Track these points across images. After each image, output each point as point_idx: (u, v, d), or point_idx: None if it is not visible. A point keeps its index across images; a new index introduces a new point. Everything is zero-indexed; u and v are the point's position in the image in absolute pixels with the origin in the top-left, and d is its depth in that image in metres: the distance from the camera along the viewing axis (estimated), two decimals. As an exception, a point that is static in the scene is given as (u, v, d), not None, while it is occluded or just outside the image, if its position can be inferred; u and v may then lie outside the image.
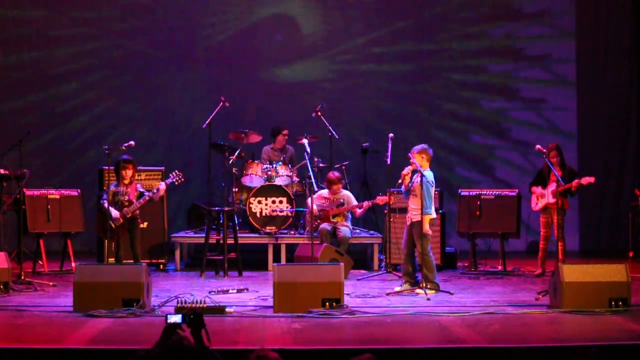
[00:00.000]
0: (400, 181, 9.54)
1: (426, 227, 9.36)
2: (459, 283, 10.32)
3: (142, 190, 10.53)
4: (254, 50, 14.12)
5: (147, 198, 10.39)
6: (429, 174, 9.45)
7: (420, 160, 9.48)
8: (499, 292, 9.60)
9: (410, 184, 9.50)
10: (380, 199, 11.20)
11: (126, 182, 10.42)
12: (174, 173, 10.60)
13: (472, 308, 8.49)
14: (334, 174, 11.51)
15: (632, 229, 12.24)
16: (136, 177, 10.77)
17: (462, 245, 12.41)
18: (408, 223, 9.57)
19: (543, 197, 10.79)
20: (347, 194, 11.62)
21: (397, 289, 9.53)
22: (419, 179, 9.37)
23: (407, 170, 9.48)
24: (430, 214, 9.40)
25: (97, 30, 13.97)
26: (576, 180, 10.55)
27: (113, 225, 10.25)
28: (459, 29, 14.22)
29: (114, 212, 10.25)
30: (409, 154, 9.53)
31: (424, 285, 9.30)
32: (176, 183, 10.60)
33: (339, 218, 11.43)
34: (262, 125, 12.80)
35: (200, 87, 14.06)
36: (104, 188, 10.83)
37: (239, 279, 10.71)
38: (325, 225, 11.28)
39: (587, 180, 10.52)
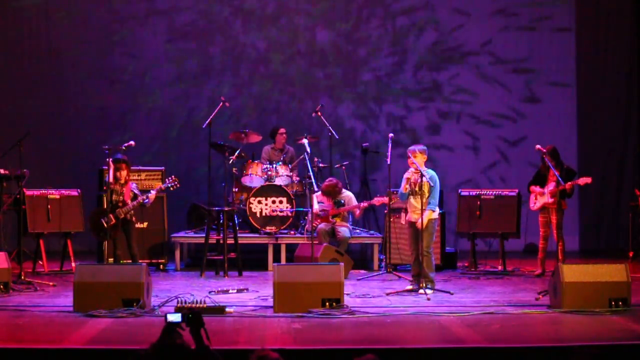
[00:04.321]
0: (406, 186, 9.43)
1: (425, 220, 9.31)
2: (459, 283, 10.32)
3: (136, 192, 10.51)
4: (253, 49, 14.13)
5: (138, 202, 10.37)
6: (433, 172, 9.52)
7: (422, 159, 9.47)
8: (499, 292, 9.60)
9: (413, 185, 9.46)
10: (377, 200, 11.19)
11: (122, 182, 10.40)
12: (170, 178, 10.61)
13: (472, 308, 8.49)
14: (332, 186, 11.37)
15: (632, 229, 12.24)
16: (131, 177, 10.72)
17: (462, 245, 12.40)
18: (418, 223, 9.42)
19: (541, 197, 10.79)
20: (348, 194, 11.60)
21: (410, 287, 9.48)
22: (425, 177, 9.37)
23: (411, 173, 9.45)
24: (435, 210, 9.42)
25: (97, 31, 13.97)
26: (570, 182, 10.50)
27: (105, 225, 10.23)
28: (460, 30, 14.24)
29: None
30: (409, 153, 9.49)
31: (424, 285, 9.30)
32: (172, 188, 10.62)
33: (338, 218, 11.43)
34: (262, 125, 12.81)
35: (200, 86, 14.05)
36: (104, 188, 10.82)
37: (239, 279, 10.71)
38: (323, 226, 11.27)
39: (583, 180, 10.51)
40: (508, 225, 11.37)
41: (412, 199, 9.46)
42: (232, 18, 14.12)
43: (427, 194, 9.34)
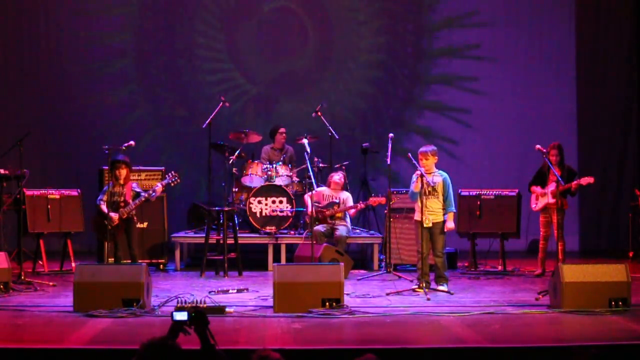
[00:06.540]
0: (418, 184, 9.38)
1: (452, 223, 9.60)
2: (459, 283, 10.31)
3: (138, 190, 10.47)
4: (252, 49, 14.13)
5: (143, 199, 10.35)
6: (446, 174, 9.59)
7: (433, 161, 9.50)
8: (499, 292, 9.60)
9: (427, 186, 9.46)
10: (373, 200, 11.16)
11: (121, 182, 10.38)
12: (170, 174, 10.58)
13: (472, 308, 8.49)
14: (340, 179, 11.49)
15: (632, 229, 12.25)
16: (131, 177, 10.69)
17: (462, 245, 12.41)
18: (429, 224, 9.41)
19: (543, 197, 10.79)
20: (345, 194, 11.59)
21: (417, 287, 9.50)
22: (439, 179, 9.45)
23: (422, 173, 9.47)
24: (455, 211, 9.73)
25: (98, 32, 13.98)
26: (575, 181, 10.56)
27: (109, 226, 10.22)
28: (457, 30, 14.26)
29: (112, 214, 10.21)
30: (420, 156, 9.49)
31: (441, 282, 9.49)
32: (172, 184, 10.57)
33: (336, 219, 11.42)
34: (262, 125, 12.82)
35: (200, 86, 14.06)
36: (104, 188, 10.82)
37: (239, 279, 10.71)
38: (319, 227, 11.23)
39: (586, 180, 10.52)
40: (508, 225, 11.38)
41: (426, 201, 9.41)
42: (234, 18, 14.14)
43: (441, 196, 9.47)
